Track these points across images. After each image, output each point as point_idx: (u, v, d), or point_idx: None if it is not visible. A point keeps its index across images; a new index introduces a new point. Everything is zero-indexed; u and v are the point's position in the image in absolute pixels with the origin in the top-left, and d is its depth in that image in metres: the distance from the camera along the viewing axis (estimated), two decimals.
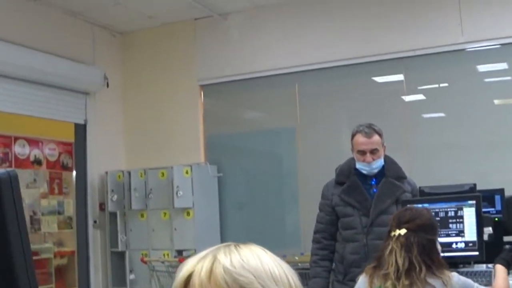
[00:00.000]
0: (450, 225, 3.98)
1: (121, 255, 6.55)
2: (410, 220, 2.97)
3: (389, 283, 2.88)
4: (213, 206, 6.56)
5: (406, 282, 2.82)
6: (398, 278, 2.85)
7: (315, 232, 4.22)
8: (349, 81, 6.28)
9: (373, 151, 3.94)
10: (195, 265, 1.12)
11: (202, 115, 6.85)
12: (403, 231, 2.94)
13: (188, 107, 6.88)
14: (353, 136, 4.03)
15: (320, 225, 4.17)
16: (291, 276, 1.15)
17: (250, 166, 6.74)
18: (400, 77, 6.10)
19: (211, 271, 1.09)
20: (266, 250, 1.18)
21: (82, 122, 6.60)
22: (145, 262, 6.09)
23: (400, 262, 2.86)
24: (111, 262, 6.63)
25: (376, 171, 4.00)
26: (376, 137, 3.97)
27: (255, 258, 1.12)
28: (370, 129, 3.98)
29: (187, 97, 6.86)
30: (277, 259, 1.17)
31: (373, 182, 4.04)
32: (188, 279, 1.11)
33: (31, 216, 6.44)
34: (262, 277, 1.10)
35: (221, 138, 6.87)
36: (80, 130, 6.64)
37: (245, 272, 1.09)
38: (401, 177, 4.09)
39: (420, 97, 6.19)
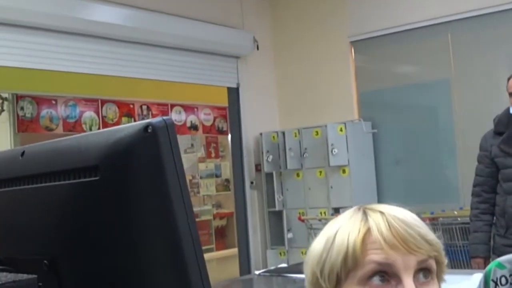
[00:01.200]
0: None
1: (279, 214, 7.62)
2: None
3: None
4: (368, 163, 7.42)
5: None
6: None
7: (474, 185, 4.63)
8: (505, 28, 6.76)
9: None
10: (362, 224, 1.29)
11: (354, 72, 7.75)
12: None
13: (339, 64, 7.77)
14: (508, 80, 4.47)
15: (480, 178, 4.57)
16: None
17: (405, 121, 7.50)
18: None
19: (389, 225, 1.27)
20: None
21: (234, 85, 7.75)
22: (302, 221, 7.16)
23: None
24: (269, 221, 7.74)
25: None
26: None
27: (412, 213, 1.33)
28: None
29: (338, 55, 7.77)
30: None
31: None
32: (366, 236, 1.27)
33: (190, 180, 7.97)
34: (428, 229, 1.32)
35: (374, 94, 7.70)
36: (233, 94, 7.81)
37: (420, 223, 1.30)
38: None
39: None
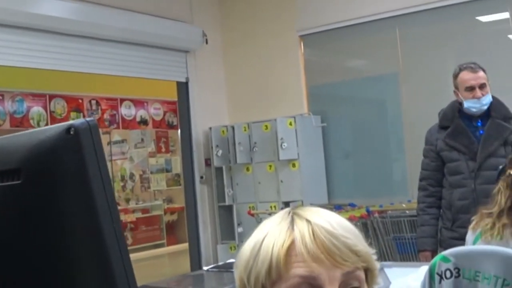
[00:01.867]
0: None
1: (229, 209, 7.63)
2: None
3: (489, 221, 3.22)
4: (318, 157, 7.44)
5: (506, 221, 3.14)
6: (499, 217, 3.17)
7: (420, 180, 4.65)
8: (452, 22, 6.83)
9: (482, 86, 4.31)
10: (290, 233, 1.24)
11: (303, 66, 7.77)
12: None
13: (288, 58, 7.79)
14: (456, 75, 4.44)
15: (426, 172, 4.59)
16: None
17: (354, 114, 7.55)
18: (505, 15, 6.55)
19: (314, 236, 1.22)
20: None
21: (184, 80, 7.73)
22: (252, 215, 7.15)
23: (503, 200, 3.18)
24: (219, 216, 7.75)
25: (485, 107, 4.34)
26: (481, 72, 4.37)
27: (338, 216, 1.30)
28: (475, 65, 4.41)
29: (287, 49, 7.78)
30: None
31: (479, 124, 4.40)
32: (291, 247, 1.22)
33: (140, 175, 7.97)
34: (359, 237, 1.27)
35: (323, 88, 7.74)
36: (183, 88, 7.79)
37: (347, 233, 1.24)
38: (509, 117, 4.42)
39: None
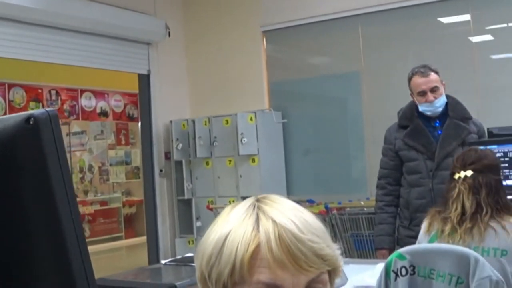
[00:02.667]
0: None
1: (188, 203, 7.64)
2: (477, 160, 3.23)
3: (448, 227, 3.16)
4: (278, 153, 7.48)
5: (469, 225, 3.10)
6: (461, 222, 3.13)
7: (379, 178, 4.66)
8: (414, 22, 6.90)
9: (433, 89, 4.33)
10: (255, 234, 1.20)
11: (265, 62, 7.80)
12: (469, 173, 3.19)
13: (251, 54, 7.80)
14: (409, 80, 4.45)
15: (384, 171, 4.61)
16: None
17: (315, 111, 7.57)
18: (466, 17, 6.66)
19: (280, 240, 1.18)
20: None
21: (145, 72, 7.72)
22: (211, 209, 7.14)
23: (467, 205, 3.13)
24: (178, 210, 7.74)
25: (440, 109, 4.39)
26: (433, 75, 4.37)
27: (305, 213, 1.26)
28: (425, 68, 4.41)
29: (249, 44, 7.80)
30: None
31: (437, 124, 4.44)
32: (257, 250, 1.19)
33: (99, 167, 7.91)
34: (325, 238, 1.24)
35: (285, 84, 7.78)
36: (144, 81, 7.78)
37: (313, 237, 1.21)
38: (466, 117, 4.47)
39: (488, 37, 6.73)
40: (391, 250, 4.42)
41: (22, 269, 0.99)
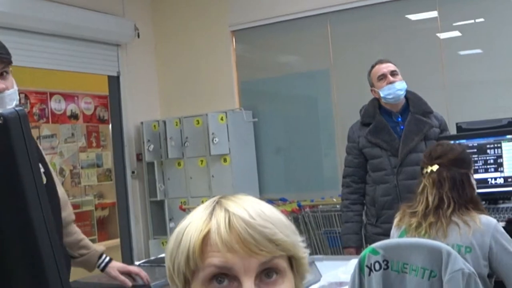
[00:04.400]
0: (489, 161, 4.41)
1: (160, 204, 7.61)
2: (442, 155, 3.29)
3: (414, 221, 3.24)
4: (249, 152, 7.49)
5: (432, 220, 3.16)
6: (425, 216, 3.19)
7: (344, 177, 4.70)
8: (382, 19, 6.94)
9: (393, 73, 4.47)
10: (207, 223, 1.24)
11: (234, 61, 7.79)
12: (435, 167, 3.26)
13: (220, 53, 7.79)
14: (369, 72, 4.62)
15: (349, 169, 4.65)
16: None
17: (285, 110, 7.59)
18: (434, 13, 6.71)
19: (230, 226, 1.22)
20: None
21: (115, 74, 7.65)
22: (184, 210, 7.14)
23: (430, 199, 3.20)
24: (151, 211, 7.72)
25: (401, 93, 4.47)
26: (390, 63, 4.57)
27: (263, 205, 1.29)
28: (384, 59, 4.66)
29: (219, 44, 7.79)
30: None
31: (399, 120, 4.52)
32: (206, 237, 1.23)
33: (71, 170, 7.83)
34: (281, 226, 1.26)
35: (255, 84, 7.79)
36: (114, 82, 7.70)
37: (265, 223, 1.23)
38: (427, 112, 4.55)
39: (456, 33, 6.76)
40: (357, 248, 4.51)
41: None
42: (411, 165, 4.37)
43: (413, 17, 7.04)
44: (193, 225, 1.27)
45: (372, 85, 4.59)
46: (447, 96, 6.64)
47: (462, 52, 6.86)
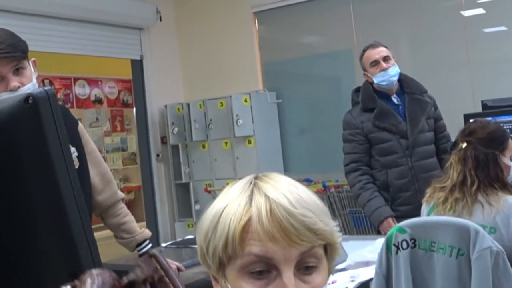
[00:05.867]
0: None
1: (186, 186, 7.64)
2: (472, 132, 3.25)
3: (441, 195, 3.22)
4: (274, 133, 7.50)
5: (458, 196, 3.15)
6: (452, 191, 3.18)
7: (348, 164, 4.55)
8: None
9: (385, 58, 4.41)
10: (247, 209, 1.23)
11: (257, 43, 7.80)
12: (464, 144, 3.23)
13: (243, 35, 7.80)
14: (361, 58, 4.57)
15: (354, 155, 4.50)
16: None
17: (309, 90, 7.57)
18: None
19: (271, 214, 1.21)
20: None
21: (138, 58, 7.70)
22: (209, 192, 7.25)
23: (455, 175, 3.19)
24: (176, 194, 7.77)
25: (395, 79, 4.42)
26: (383, 47, 4.49)
27: (300, 189, 1.28)
28: (376, 42, 4.56)
29: (241, 25, 7.79)
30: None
31: (396, 101, 4.48)
32: (247, 225, 1.22)
33: None
34: (319, 213, 1.25)
35: (278, 65, 7.77)
36: (137, 66, 7.76)
37: (306, 211, 1.22)
38: (424, 91, 4.56)
39: (480, 11, 6.71)
40: (393, 217, 4.33)
41: (26, 247, 0.98)
42: (422, 145, 4.39)
43: None
44: (231, 208, 1.25)
45: (364, 70, 4.54)
46: (472, 74, 6.61)
47: (486, 30, 6.79)
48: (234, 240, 1.22)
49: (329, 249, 1.29)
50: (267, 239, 1.20)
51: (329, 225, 1.26)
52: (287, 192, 1.25)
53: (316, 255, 1.25)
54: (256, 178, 1.30)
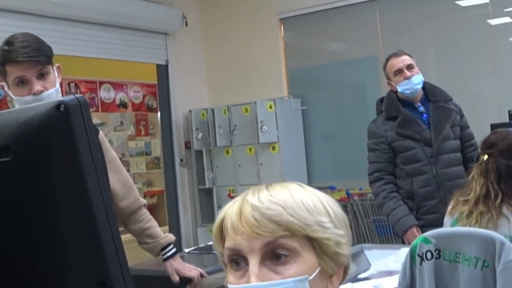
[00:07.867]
0: None
1: (209, 192, 7.69)
2: (493, 145, 3.23)
3: (465, 209, 3.19)
4: (298, 140, 7.52)
5: (483, 209, 3.12)
6: (476, 205, 3.14)
7: (372, 173, 4.52)
8: (432, 5, 6.89)
9: (409, 67, 4.38)
10: (227, 210, 1.36)
11: (283, 49, 7.83)
12: (485, 157, 3.20)
13: (268, 41, 7.82)
14: (384, 67, 4.54)
15: (378, 165, 4.47)
16: (329, 204, 1.36)
17: (334, 97, 7.59)
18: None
19: (240, 212, 1.31)
20: (303, 185, 1.39)
21: (163, 62, 7.75)
22: (232, 198, 7.56)
23: (477, 188, 3.15)
24: (199, 199, 7.80)
25: (419, 87, 4.39)
26: (406, 56, 4.46)
27: (285, 191, 1.33)
28: (399, 50, 4.53)
29: (267, 32, 7.81)
30: (314, 190, 1.38)
31: (420, 109, 4.46)
32: (222, 224, 1.35)
33: (120, 158, 7.90)
34: (292, 207, 1.30)
35: (303, 71, 7.77)
36: (162, 71, 7.80)
37: (272, 205, 1.29)
38: (448, 99, 4.52)
39: (507, 20, 6.70)
40: (417, 226, 4.30)
41: (55, 255, 1.00)
42: (447, 153, 4.35)
43: (463, 3, 6.97)
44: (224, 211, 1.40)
45: (388, 79, 4.51)
46: (498, 83, 6.58)
47: None
48: (216, 239, 1.38)
49: (316, 244, 1.33)
50: (234, 233, 1.32)
51: (301, 219, 1.30)
52: (267, 194, 1.34)
53: (286, 246, 1.30)
54: (266, 185, 1.39)
